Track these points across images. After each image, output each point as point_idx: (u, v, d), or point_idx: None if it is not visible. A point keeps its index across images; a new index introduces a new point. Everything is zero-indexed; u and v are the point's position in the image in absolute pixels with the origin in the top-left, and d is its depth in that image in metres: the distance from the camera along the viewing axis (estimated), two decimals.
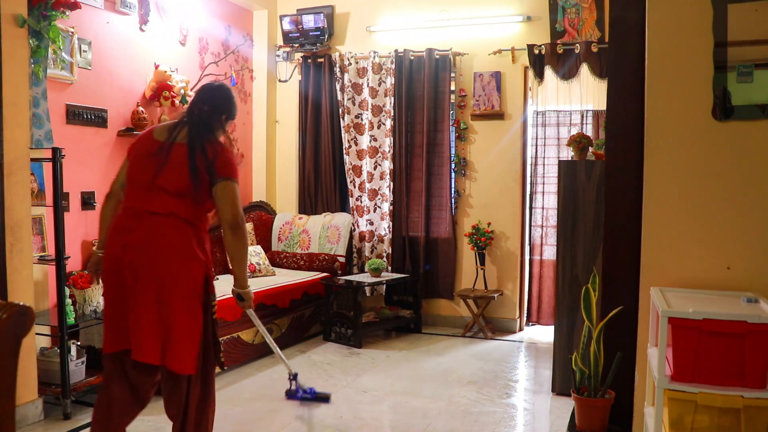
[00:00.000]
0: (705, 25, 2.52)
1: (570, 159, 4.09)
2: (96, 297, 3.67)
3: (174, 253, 2.44)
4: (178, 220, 2.47)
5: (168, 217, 2.45)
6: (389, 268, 5.72)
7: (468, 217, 5.65)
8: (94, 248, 2.77)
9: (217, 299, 4.32)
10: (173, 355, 2.41)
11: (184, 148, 2.49)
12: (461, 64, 5.59)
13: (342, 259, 5.61)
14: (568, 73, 5.14)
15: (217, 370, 2.77)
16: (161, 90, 4.85)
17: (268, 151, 6.23)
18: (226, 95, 2.69)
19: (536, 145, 6.52)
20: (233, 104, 2.71)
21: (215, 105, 2.63)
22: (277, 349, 3.54)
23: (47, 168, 3.54)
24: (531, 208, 5.65)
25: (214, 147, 2.51)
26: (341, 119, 5.91)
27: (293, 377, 3.69)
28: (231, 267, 2.70)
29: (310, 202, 6.13)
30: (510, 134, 5.50)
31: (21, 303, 1.49)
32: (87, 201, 4.34)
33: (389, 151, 5.76)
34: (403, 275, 5.49)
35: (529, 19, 5.36)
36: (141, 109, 4.71)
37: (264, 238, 5.90)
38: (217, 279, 5.02)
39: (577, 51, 5.07)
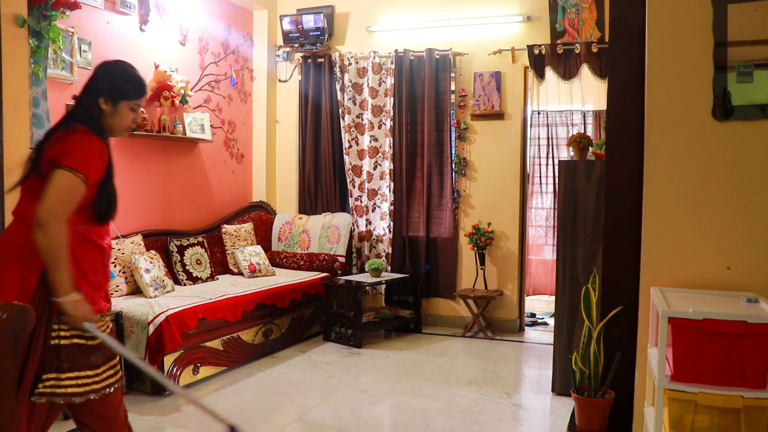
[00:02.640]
0: (705, 25, 2.52)
1: (570, 159, 4.09)
2: None
3: None
4: (17, 220, 2.13)
5: (14, 221, 2.14)
6: (389, 267, 5.72)
7: (468, 217, 5.65)
8: None
9: (212, 300, 4.38)
10: None
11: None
12: (461, 64, 5.59)
13: (342, 259, 5.61)
14: (568, 73, 5.14)
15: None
16: (161, 90, 4.85)
17: (268, 151, 6.23)
18: (107, 73, 2.21)
19: (536, 145, 6.52)
20: (119, 81, 2.20)
21: (89, 84, 2.20)
22: (147, 366, 2.30)
23: None
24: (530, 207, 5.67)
25: (65, 133, 2.08)
26: (341, 119, 5.91)
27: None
28: None
29: (310, 202, 6.13)
30: (510, 134, 5.50)
31: (21, 303, 1.49)
32: None
33: (389, 151, 5.76)
34: (403, 275, 5.49)
35: (529, 19, 5.36)
36: (141, 109, 4.70)
37: (264, 238, 5.90)
38: (217, 279, 5.03)
39: (577, 51, 5.07)
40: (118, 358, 2.20)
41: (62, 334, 2.04)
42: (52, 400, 2.02)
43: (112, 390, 2.13)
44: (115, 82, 2.20)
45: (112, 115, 2.19)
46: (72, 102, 2.22)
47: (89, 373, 2.07)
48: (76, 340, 2.05)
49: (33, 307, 1.88)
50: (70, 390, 2.03)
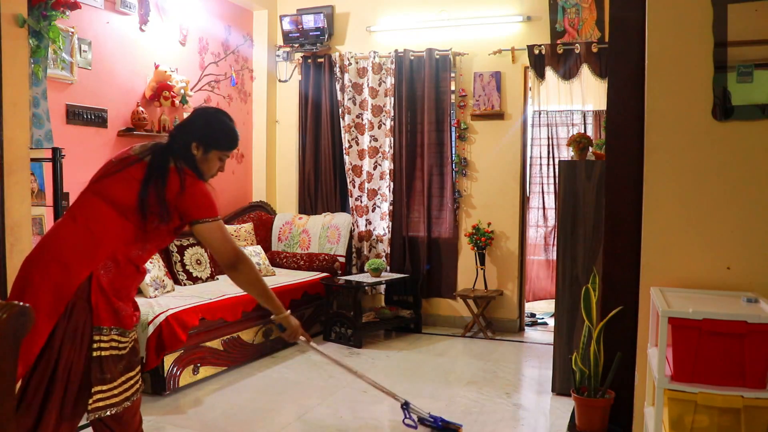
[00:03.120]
0: (705, 25, 2.52)
1: (570, 159, 4.09)
2: None
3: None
4: (76, 224, 2.12)
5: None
6: (388, 267, 5.72)
7: (468, 217, 5.65)
8: None
9: (212, 300, 4.39)
10: None
11: (144, 164, 2.17)
12: (461, 64, 5.59)
13: (342, 259, 5.61)
14: (568, 73, 5.14)
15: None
16: (161, 90, 4.85)
17: (268, 151, 6.23)
18: (203, 119, 2.29)
19: (536, 146, 6.52)
20: (213, 130, 2.27)
21: (187, 129, 2.27)
22: (378, 384, 3.07)
23: (47, 168, 3.54)
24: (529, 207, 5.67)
25: (181, 179, 2.14)
26: (341, 119, 5.91)
27: (405, 406, 3.15)
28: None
29: (310, 202, 6.13)
30: (510, 134, 5.50)
31: (21, 303, 1.49)
32: None
33: (389, 151, 5.76)
34: (402, 275, 5.49)
35: (529, 19, 5.36)
36: (141, 109, 4.71)
37: (264, 238, 5.90)
38: (217, 279, 5.02)
39: (577, 51, 5.07)
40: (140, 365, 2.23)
41: (103, 345, 2.04)
42: (100, 415, 2.03)
43: (139, 395, 2.18)
44: (210, 129, 2.27)
45: (201, 161, 2.25)
46: (165, 139, 2.29)
47: (123, 379, 2.10)
48: (113, 351, 2.07)
49: (72, 306, 1.99)
50: (113, 401, 2.06)
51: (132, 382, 2.14)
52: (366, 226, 5.89)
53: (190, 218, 2.15)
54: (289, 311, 2.46)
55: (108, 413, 2.05)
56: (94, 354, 2.02)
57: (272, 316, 2.43)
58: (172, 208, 2.13)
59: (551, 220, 6.47)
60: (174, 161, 2.17)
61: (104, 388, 2.04)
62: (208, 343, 4.12)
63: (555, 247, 5.23)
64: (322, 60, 6.00)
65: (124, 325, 2.10)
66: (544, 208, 6.57)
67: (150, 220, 2.11)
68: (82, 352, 2.02)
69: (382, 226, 5.85)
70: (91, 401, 2.01)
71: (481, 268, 5.46)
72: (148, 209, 2.10)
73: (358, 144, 5.93)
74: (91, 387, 2.01)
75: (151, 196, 2.10)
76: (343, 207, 6.06)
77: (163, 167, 2.15)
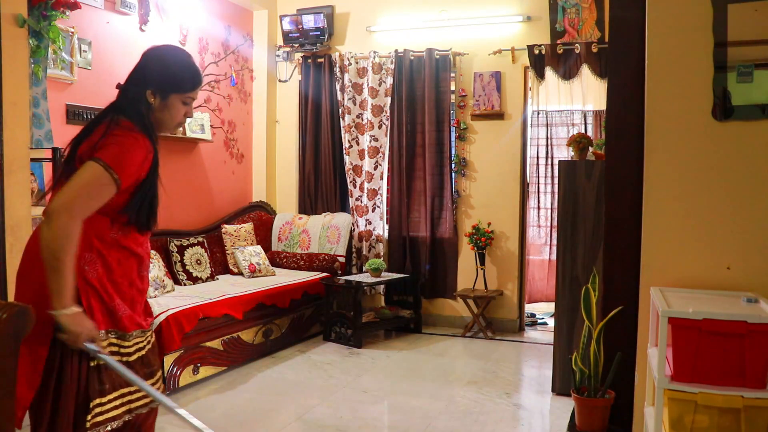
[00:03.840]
0: (705, 25, 2.52)
1: (570, 159, 4.09)
2: None
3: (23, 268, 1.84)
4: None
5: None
6: (388, 267, 5.72)
7: (468, 218, 5.65)
8: None
9: (212, 300, 4.39)
10: None
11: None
12: (461, 64, 5.59)
13: (342, 259, 5.61)
14: (568, 73, 5.14)
15: None
16: None
17: (268, 151, 6.23)
18: (156, 61, 1.95)
19: (536, 145, 6.53)
20: (169, 72, 1.92)
21: (139, 76, 1.94)
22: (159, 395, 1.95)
23: (47, 168, 3.55)
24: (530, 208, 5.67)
25: (108, 127, 1.80)
26: (341, 119, 5.91)
27: None
28: None
29: (310, 202, 6.13)
30: (510, 134, 5.50)
31: (21, 303, 1.49)
32: None
33: (389, 151, 5.76)
34: (402, 275, 5.49)
35: (529, 19, 5.36)
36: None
37: (264, 238, 5.90)
38: (217, 279, 5.02)
39: (577, 51, 5.07)
40: (160, 372, 2.02)
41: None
42: (99, 431, 1.80)
43: (153, 406, 1.96)
44: (166, 72, 1.91)
45: (161, 110, 1.92)
46: (116, 91, 1.96)
47: (124, 390, 1.86)
48: (114, 358, 1.83)
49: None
50: (113, 413, 1.83)
51: (139, 395, 1.89)
52: (366, 226, 5.89)
53: (89, 155, 1.75)
54: (78, 309, 1.72)
55: (109, 428, 1.81)
56: (92, 363, 1.79)
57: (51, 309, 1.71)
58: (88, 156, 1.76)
59: (551, 220, 6.48)
60: (111, 115, 1.85)
61: (104, 400, 1.80)
62: (208, 343, 4.12)
63: (555, 247, 5.23)
64: (322, 60, 6.00)
65: (122, 327, 1.86)
66: (538, 207, 6.57)
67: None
68: (82, 364, 1.78)
69: (382, 226, 5.85)
70: (89, 417, 1.77)
71: (481, 268, 5.46)
72: (72, 166, 1.77)
73: (358, 144, 5.93)
74: (89, 402, 1.78)
75: (77, 153, 1.81)
76: (343, 207, 6.06)
77: (93, 123, 1.85)
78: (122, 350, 1.87)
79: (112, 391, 1.83)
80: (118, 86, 1.96)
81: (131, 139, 1.80)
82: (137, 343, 1.91)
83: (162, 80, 1.90)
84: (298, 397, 3.84)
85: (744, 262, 2.49)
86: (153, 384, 1.94)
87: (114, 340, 1.85)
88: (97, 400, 1.80)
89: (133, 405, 1.89)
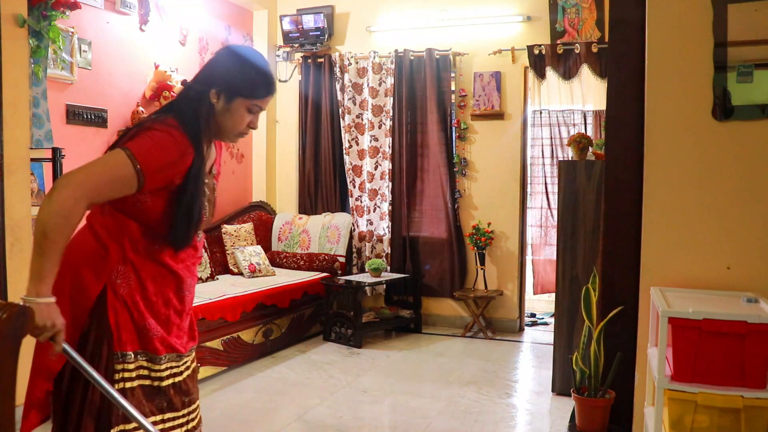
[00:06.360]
0: (705, 25, 2.52)
1: (570, 159, 4.09)
2: None
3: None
4: (85, 227, 1.72)
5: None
6: (389, 267, 5.72)
7: (468, 217, 5.64)
8: None
9: (212, 300, 4.40)
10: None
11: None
12: (461, 64, 5.59)
13: (342, 259, 5.61)
14: (568, 73, 5.14)
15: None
16: (161, 90, 4.85)
17: (268, 151, 6.23)
18: (228, 59, 1.76)
19: (536, 145, 6.53)
20: (239, 72, 1.73)
21: (206, 73, 1.77)
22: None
23: (47, 168, 3.55)
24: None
25: (152, 122, 1.67)
26: (341, 119, 5.91)
27: None
28: None
29: (310, 202, 6.13)
30: (510, 134, 5.50)
31: (21, 303, 1.49)
32: None
33: (389, 151, 5.76)
34: (402, 275, 5.49)
35: (529, 19, 5.36)
36: (141, 109, 4.71)
37: (264, 238, 5.90)
38: (217, 279, 5.02)
39: (577, 51, 5.07)
40: (198, 402, 1.84)
41: (126, 375, 1.66)
42: None
43: None
44: (236, 71, 1.72)
45: (223, 113, 1.73)
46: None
47: (158, 418, 1.71)
48: (143, 382, 1.69)
49: (87, 331, 1.63)
50: None
51: (172, 424, 1.73)
52: (366, 226, 5.89)
53: (118, 144, 1.63)
54: (53, 299, 1.51)
55: None
56: (117, 387, 1.63)
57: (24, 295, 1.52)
58: None
59: (552, 220, 6.47)
60: (158, 115, 1.69)
61: (128, 427, 1.64)
62: (208, 343, 4.12)
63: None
64: (322, 60, 6.00)
65: (153, 349, 1.69)
66: (549, 207, 6.57)
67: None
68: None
69: (382, 226, 5.85)
70: None
71: (481, 268, 5.46)
72: None
73: (358, 144, 5.93)
74: (111, 427, 1.62)
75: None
76: (343, 207, 6.06)
77: (140, 123, 1.69)
78: (153, 374, 1.70)
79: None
80: (183, 83, 1.84)
81: (167, 134, 1.63)
82: (170, 368, 1.74)
83: (230, 80, 1.71)
84: (298, 397, 3.84)
85: (744, 262, 2.49)
86: (191, 413, 1.80)
87: (144, 363, 1.69)
88: (121, 427, 1.64)
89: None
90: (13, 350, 1.38)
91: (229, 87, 1.71)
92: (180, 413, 1.76)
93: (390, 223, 5.80)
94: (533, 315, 6.07)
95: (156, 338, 1.70)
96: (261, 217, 5.99)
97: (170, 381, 1.74)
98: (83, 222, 1.67)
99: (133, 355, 1.67)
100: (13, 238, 3.21)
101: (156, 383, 1.71)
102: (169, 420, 1.73)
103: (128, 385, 1.66)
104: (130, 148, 1.57)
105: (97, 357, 1.63)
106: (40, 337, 1.51)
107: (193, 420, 1.81)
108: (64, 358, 1.59)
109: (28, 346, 1.49)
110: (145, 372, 1.70)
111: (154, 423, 1.68)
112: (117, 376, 1.64)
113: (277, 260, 5.72)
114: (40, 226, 1.48)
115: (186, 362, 1.81)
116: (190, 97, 1.73)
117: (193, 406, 1.81)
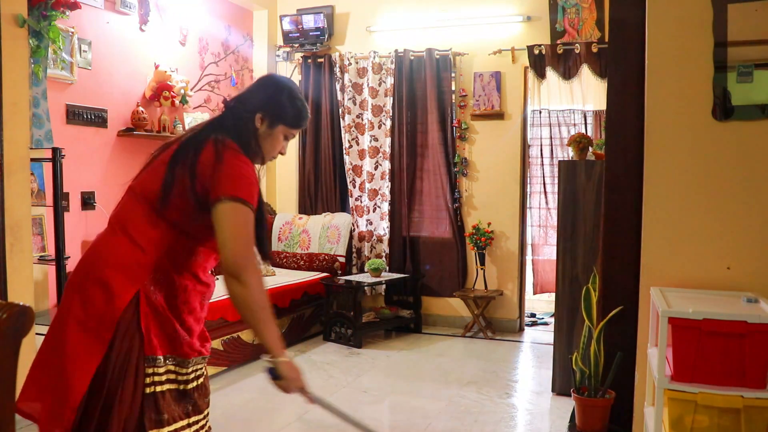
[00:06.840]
0: (705, 25, 2.52)
1: (570, 159, 4.09)
2: None
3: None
4: (119, 236, 1.74)
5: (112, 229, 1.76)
6: (389, 267, 5.72)
7: (468, 217, 5.64)
8: None
9: (212, 300, 4.35)
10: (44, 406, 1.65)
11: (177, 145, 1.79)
12: (461, 64, 5.59)
13: (342, 259, 5.61)
14: (568, 73, 5.14)
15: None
16: (161, 90, 4.85)
17: None
18: (274, 87, 1.87)
19: (536, 145, 6.53)
20: (284, 101, 1.84)
21: (251, 98, 1.86)
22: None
23: (47, 168, 3.55)
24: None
25: (216, 148, 1.70)
26: (341, 119, 5.91)
27: None
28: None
29: (310, 202, 6.13)
30: (510, 134, 5.50)
31: (21, 303, 1.49)
32: (87, 201, 4.34)
33: (389, 151, 5.76)
34: (402, 275, 5.49)
35: (529, 19, 5.36)
36: (141, 109, 4.71)
37: None
38: (217, 279, 5.01)
39: (577, 51, 5.07)
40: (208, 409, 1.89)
41: (157, 379, 1.69)
42: None
43: None
44: (282, 100, 1.84)
45: (265, 137, 1.84)
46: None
47: (185, 422, 1.75)
48: (171, 386, 1.73)
49: (113, 337, 1.64)
50: None
51: (197, 427, 1.79)
52: (366, 226, 5.89)
53: (215, 194, 1.65)
54: (291, 357, 1.77)
55: None
56: (148, 390, 1.66)
57: (265, 356, 1.73)
58: (201, 188, 1.68)
59: (552, 220, 6.47)
60: (215, 134, 1.75)
61: (162, 431, 1.68)
62: None
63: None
64: (322, 60, 6.00)
65: (182, 353, 1.74)
66: (548, 207, 6.56)
67: (172, 207, 1.70)
68: (137, 390, 1.64)
69: (382, 226, 5.85)
70: None
71: (481, 268, 5.46)
72: (171, 194, 1.70)
73: (358, 144, 5.93)
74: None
75: (177, 179, 1.70)
76: (343, 207, 6.06)
77: (198, 141, 1.74)
78: (180, 377, 1.76)
79: (172, 422, 1.71)
80: (224, 102, 1.89)
81: (243, 164, 1.72)
82: (196, 370, 1.81)
83: (276, 107, 1.83)
84: (298, 398, 3.82)
85: (744, 262, 2.49)
86: (205, 417, 1.86)
87: (172, 367, 1.74)
88: (154, 431, 1.67)
89: None
90: (13, 350, 1.38)
91: (275, 114, 1.83)
92: (202, 415, 1.83)
93: (390, 223, 5.80)
94: (533, 315, 6.07)
95: (185, 343, 1.76)
96: None
97: (195, 383, 1.81)
98: (114, 232, 1.75)
99: (162, 359, 1.71)
100: (13, 238, 3.21)
101: (182, 386, 1.77)
102: (194, 423, 1.79)
103: (158, 389, 1.69)
104: (240, 196, 1.66)
105: (127, 361, 1.65)
106: (290, 389, 1.79)
107: (208, 421, 1.89)
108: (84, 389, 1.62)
109: (28, 346, 1.49)
110: (173, 376, 1.74)
111: (182, 428, 1.74)
112: (148, 380, 1.67)
113: (277, 260, 5.72)
114: (256, 306, 1.66)
115: (205, 363, 1.90)
116: (236, 117, 1.82)
117: (207, 411, 1.89)
